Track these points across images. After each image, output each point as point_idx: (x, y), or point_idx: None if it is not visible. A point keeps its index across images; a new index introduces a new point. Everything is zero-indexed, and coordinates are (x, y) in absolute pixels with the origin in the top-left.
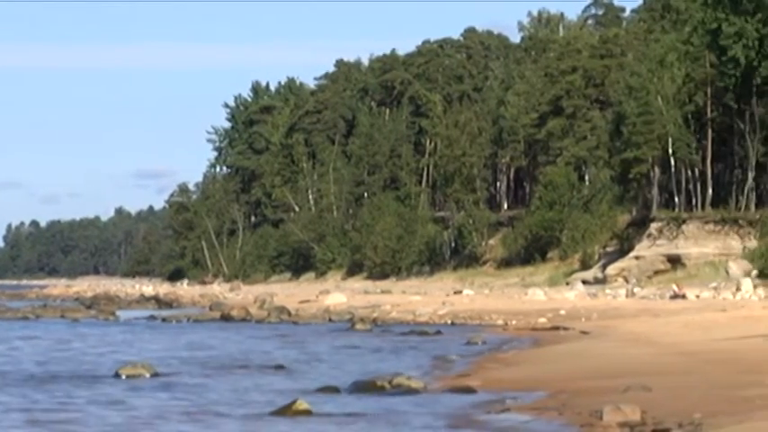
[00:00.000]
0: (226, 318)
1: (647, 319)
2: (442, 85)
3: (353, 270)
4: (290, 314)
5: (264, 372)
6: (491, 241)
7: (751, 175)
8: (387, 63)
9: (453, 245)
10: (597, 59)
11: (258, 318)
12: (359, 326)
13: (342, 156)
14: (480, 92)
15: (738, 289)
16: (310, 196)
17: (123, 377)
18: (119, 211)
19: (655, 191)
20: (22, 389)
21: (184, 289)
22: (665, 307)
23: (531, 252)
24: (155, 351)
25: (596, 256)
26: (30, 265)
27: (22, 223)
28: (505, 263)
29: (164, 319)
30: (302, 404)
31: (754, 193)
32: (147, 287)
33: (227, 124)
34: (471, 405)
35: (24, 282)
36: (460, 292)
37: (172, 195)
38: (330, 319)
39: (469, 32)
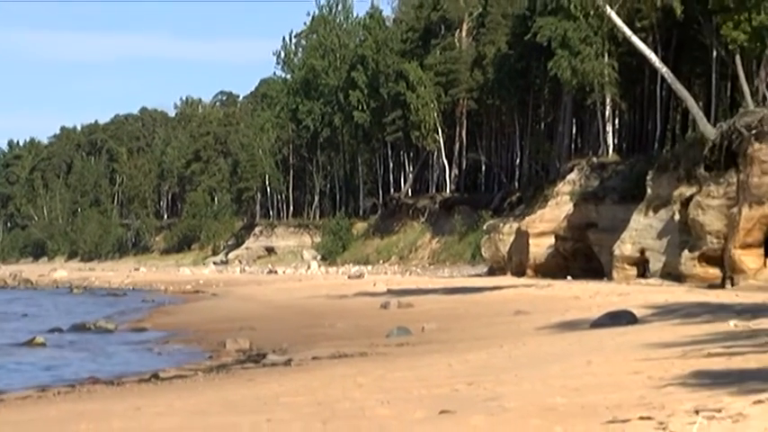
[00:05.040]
0: None
1: (254, 286)
2: (126, 142)
3: (72, 256)
4: (32, 283)
5: (13, 319)
6: (157, 238)
7: (317, 197)
8: (92, 128)
9: (134, 240)
10: (223, 126)
11: (12, 285)
12: (75, 290)
13: (65, 185)
14: (150, 146)
15: (309, 268)
16: (45, 211)
17: None
18: None
19: (258, 207)
20: None
21: None
22: (264, 279)
23: (182, 245)
24: None
25: (222, 247)
26: None
27: None
28: (166, 251)
29: None
30: (39, 339)
31: (319, 209)
32: None
33: None
34: (145, 339)
35: None
36: (138, 269)
37: None
38: (57, 286)
39: (143, 110)
